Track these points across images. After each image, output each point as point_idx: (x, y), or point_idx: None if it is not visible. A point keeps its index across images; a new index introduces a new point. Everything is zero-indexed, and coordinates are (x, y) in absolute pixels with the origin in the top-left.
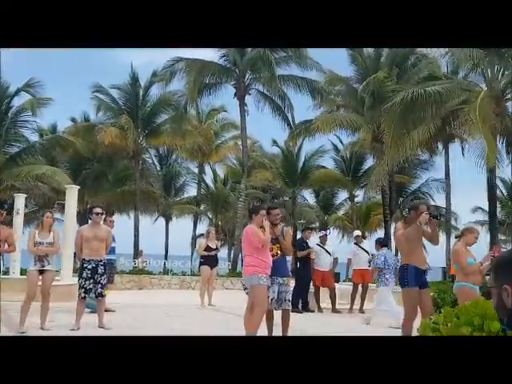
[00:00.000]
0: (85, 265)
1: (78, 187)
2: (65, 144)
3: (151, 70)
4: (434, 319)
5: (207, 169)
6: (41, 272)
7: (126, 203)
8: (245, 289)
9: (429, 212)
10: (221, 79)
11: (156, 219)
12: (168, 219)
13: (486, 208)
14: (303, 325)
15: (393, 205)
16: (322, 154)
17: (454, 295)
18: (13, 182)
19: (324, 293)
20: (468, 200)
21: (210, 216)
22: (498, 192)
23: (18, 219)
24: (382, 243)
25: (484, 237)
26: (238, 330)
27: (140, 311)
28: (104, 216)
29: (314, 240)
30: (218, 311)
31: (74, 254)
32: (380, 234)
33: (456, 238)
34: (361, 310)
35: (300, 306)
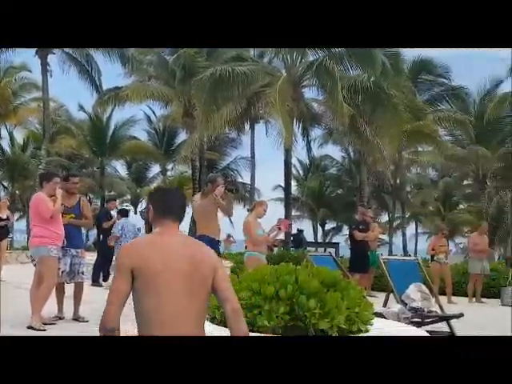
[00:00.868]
0: None
1: None
2: None
3: None
4: None
5: (3, 131)
6: None
7: None
8: (32, 260)
9: (225, 185)
10: None
11: None
12: None
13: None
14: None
15: (202, 180)
16: (133, 124)
17: None
18: None
19: None
20: (271, 178)
21: (6, 184)
22: (295, 172)
23: None
24: (123, 213)
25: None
26: (24, 305)
27: None
28: None
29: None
30: (5, 286)
31: None
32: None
33: (248, 211)
34: None
35: (101, 278)
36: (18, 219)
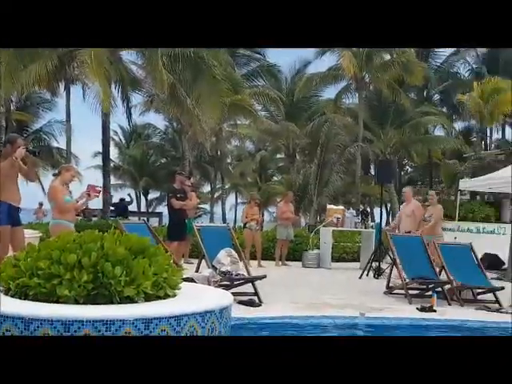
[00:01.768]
0: None
1: None
2: None
3: None
4: (16, 255)
5: None
6: None
7: None
8: None
9: (26, 147)
10: None
11: None
12: None
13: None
14: None
15: None
16: None
17: None
18: None
19: None
20: (90, 145)
21: None
22: (117, 139)
23: None
24: None
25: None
26: None
27: None
28: None
29: None
30: None
31: None
32: None
33: (54, 175)
34: None
35: None
36: None
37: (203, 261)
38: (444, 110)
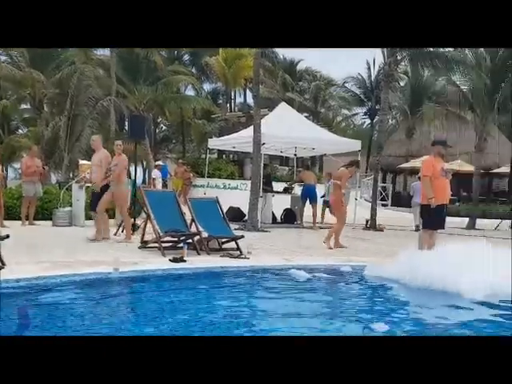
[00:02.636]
0: None
1: None
2: None
3: None
4: None
5: None
6: None
7: None
8: None
9: None
10: None
11: None
12: None
13: None
14: None
15: None
16: None
17: None
18: None
19: None
20: None
21: None
22: None
23: None
24: None
25: None
26: None
27: None
28: None
29: None
30: None
31: None
32: None
33: None
34: None
35: None
36: None
37: None
38: (194, 70)
